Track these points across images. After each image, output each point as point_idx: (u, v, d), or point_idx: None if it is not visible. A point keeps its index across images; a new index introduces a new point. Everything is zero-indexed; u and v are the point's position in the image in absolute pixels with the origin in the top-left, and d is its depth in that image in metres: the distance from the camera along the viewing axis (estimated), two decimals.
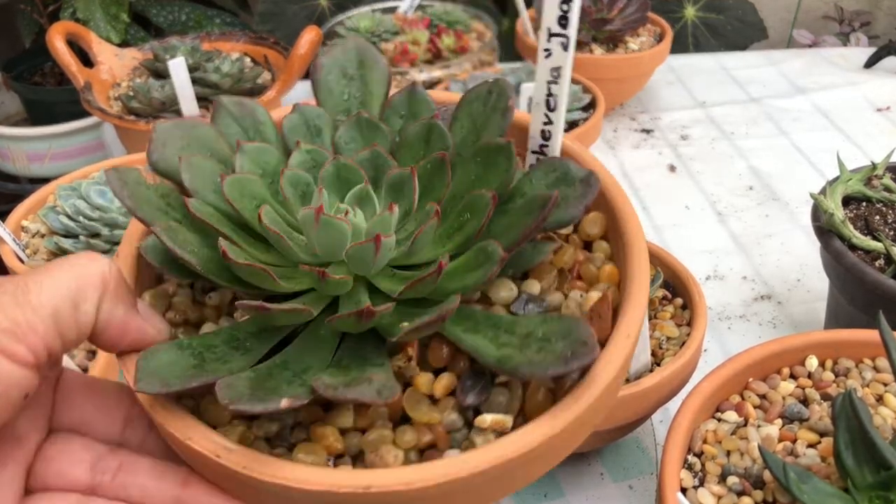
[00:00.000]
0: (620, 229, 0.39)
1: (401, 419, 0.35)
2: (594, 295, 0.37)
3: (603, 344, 0.35)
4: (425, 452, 0.34)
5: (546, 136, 0.42)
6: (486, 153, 0.39)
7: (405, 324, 0.33)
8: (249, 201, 0.38)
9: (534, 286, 0.38)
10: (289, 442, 0.34)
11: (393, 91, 0.45)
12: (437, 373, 0.36)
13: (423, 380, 0.35)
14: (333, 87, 0.45)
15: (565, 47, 0.39)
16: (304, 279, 0.37)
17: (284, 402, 0.30)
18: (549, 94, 0.41)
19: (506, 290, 0.38)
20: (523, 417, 0.34)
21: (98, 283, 0.32)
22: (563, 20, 0.38)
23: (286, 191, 0.38)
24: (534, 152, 0.44)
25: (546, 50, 0.40)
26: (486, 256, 0.34)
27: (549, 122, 0.42)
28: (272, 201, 0.39)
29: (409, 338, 0.34)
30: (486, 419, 0.33)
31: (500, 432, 0.33)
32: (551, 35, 0.39)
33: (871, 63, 1.32)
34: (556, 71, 0.40)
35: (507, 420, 0.33)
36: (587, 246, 0.42)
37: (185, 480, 0.34)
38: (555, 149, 0.43)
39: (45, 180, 0.97)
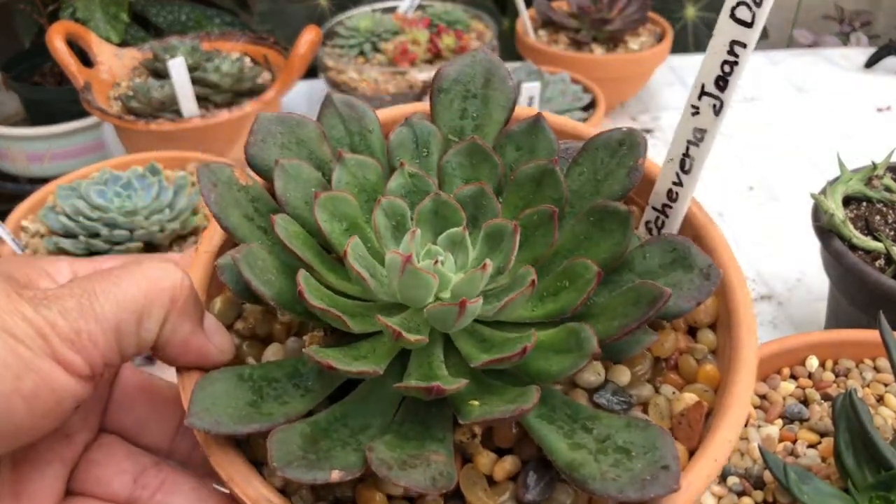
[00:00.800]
0: (732, 322, 0.36)
1: (454, 493, 0.32)
2: (687, 397, 0.34)
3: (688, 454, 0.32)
4: None
5: (672, 196, 0.38)
6: (601, 215, 0.35)
7: (475, 402, 0.31)
8: (339, 224, 0.36)
9: (623, 375, 0.35)
10: (334, 496, 0.32)
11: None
12: (500, 452, 0.33)
13: (485, 459, 0.32)
14: (452, 102, 0.41)
15: (717, 111, 0.34)
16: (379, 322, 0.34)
17: (335, 475, 0.28)
18: (687, 155, 0.36)
19: (592, 375, 0.34)
20: None
21: (166, 299, 0.31)
22: (722, 82, 0.34)
23: (379, 221, 0.36)
24: (654, 209, 0.39)
25: (694, 107, 0.35)
26: (577, 343, 0.31)
27: (679, 184, 0.37)
28: (363, 225, 0.36)
29: (477, 425, 0.31)
30: None
31: None
32: (704, 93, 0.35)
33: (871, 63, 1.32)
34: (701, 133, 0.36)
35: None
36: (692, 330, 0.38)
37: None
38: (679, 212, 0.38)
39: (44, 180, 0.97)
